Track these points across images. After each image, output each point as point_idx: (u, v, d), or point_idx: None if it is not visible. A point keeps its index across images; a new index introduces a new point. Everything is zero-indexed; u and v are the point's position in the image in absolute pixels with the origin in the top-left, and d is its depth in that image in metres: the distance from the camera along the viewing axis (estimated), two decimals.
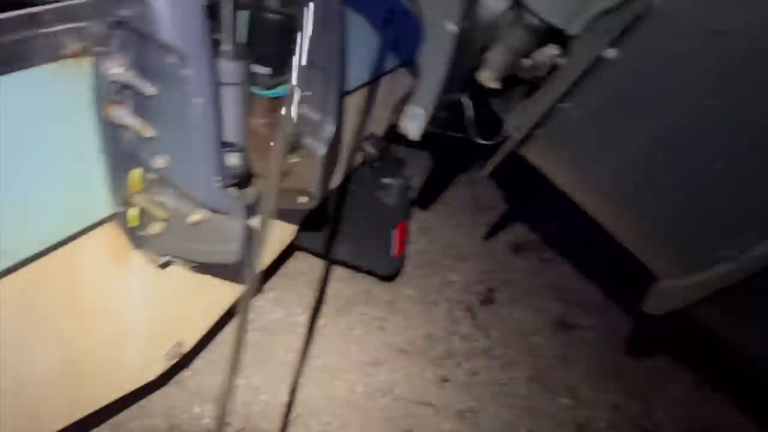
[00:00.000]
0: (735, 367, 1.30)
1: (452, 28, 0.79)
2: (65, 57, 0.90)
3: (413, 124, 0.88)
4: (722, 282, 0.79)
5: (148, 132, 0.96)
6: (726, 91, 0.69)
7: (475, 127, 0.92)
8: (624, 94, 0.74)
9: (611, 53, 0.71)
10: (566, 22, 0.72)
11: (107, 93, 0.96)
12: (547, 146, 0.83)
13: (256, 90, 1.16)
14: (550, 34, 0.75)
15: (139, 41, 0.92)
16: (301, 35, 1.16)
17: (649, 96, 0.73)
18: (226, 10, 1.04)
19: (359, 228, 1.90)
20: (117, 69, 0.93)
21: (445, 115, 0.91)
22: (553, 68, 0.83)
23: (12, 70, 0.84)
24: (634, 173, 0.79)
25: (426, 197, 2.66)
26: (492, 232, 2.59)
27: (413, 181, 2.00)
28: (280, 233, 1.80)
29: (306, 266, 2.29)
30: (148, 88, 0.93)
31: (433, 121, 0.89)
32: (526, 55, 0.81)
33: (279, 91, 1.17)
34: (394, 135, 1.99)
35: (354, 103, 1.70)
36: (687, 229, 0.82)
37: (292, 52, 1.20)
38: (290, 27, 1.14)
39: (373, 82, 1.73)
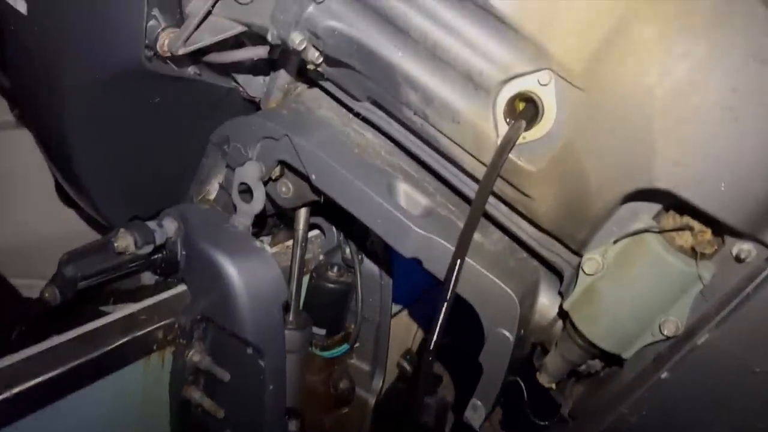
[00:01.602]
0: None
1: (510, 336, 0.87)
2: (153, 351, 0.98)
3: (475, 415, 0.93)
4: None
5: (220, 414, 1.02)
6: None
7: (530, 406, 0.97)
8: (675, 406, 0.80)
9: (662, 374, 0.79)
10: (619, 349, 0.80)
11: (184, 376, 1.03)
12: None
13: (312, 350, 1.24)
14: (602, 353, 0.83)
15: (218, 332, 1.01)
16: (357, 300, 1.28)
17: (699, 409, 0.79)
18: (293, 285, 1.15)
19: None
20: (196, 356, 1.02)
21: (502, 400, 0.97)
22: (606, 366, 0.90)
23: (106, 375, 0.92)
24: None
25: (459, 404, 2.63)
26: None
27: (450, 397, 2.01)
28: None
29: None
30: (224, 375, 1.00)
31: (493, 408, 0.94)
32: (581, 364, 0.89)
33: (335, 351, 1.25)
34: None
35: (393, 325, 1.78)
36: None
37: (345, 315, 1.31)
38: (345, 293, 1.25)
39: (410, 306, 1.82)
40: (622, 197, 0.72)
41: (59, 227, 1.33)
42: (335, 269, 1.25)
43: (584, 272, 0.79)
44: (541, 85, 0.70)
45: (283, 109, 1.00)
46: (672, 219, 0.74)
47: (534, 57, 0.69)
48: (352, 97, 0.93)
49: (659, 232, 0.73)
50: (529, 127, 0.72)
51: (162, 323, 0.99)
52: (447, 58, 0.74)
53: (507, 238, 0.94)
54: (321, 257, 1.28)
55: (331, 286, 1.23)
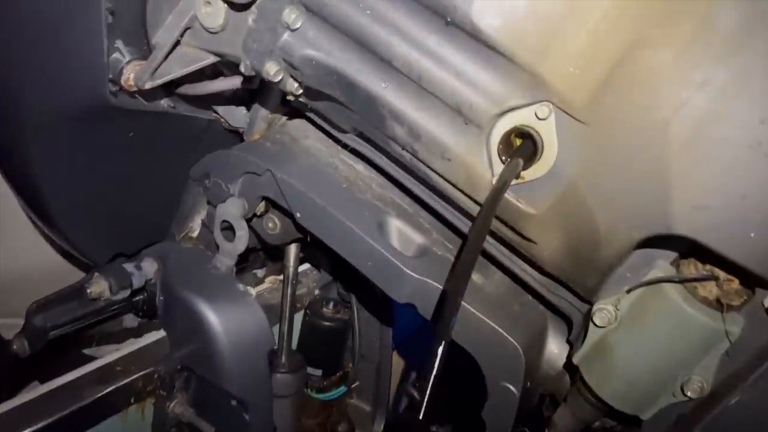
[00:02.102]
0: None
1: (515, 391, 0.79)
2: (132, 404, 0.92)
3: None
4: None
5: None
6: None
7: None
8: None
9: None
10: (636, 410, 0.71)
11: (166, 429, 0.96)
12: None
13: (307, 392, 1.16)
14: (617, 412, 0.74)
15: (200, 382, 0.94)
16: (355, 338, 1.20)
17: None
18: (284, 325, 1.08)
19: None
20: (178, 408, 0.95)
21: None
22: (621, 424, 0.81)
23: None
24: None
25: None
26: None
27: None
28: None
29: None
30: (208, 428, 0.93)
31: None
32: (594, 422, 0.80)
33: (332, 393, 1.18)
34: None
35: (395, 357, 1.71)
36: None
37: (343, 354, 1.23)
38: (342, 331, 1.17)
39: (412, 336, 1.75)
40: (635, 243, 0.64)
41: (40, 262, 1.27)
42: (331, 305, 1.17)
43: (594, 324, 0.70)
44: (540, 119, 0.62)
45: (267, 140, 0.93)
46: (693, 266, 0.65)
47: (530, 88, 0.61)
48: (338, 128, 0.85)
49: (680, 282, 0.64)
50: (527, 165, 0.63)
51: (141, 373, 0.93)
52: (434, 89, 0.66)
53: (509, 279, 0.85)
54: (316, 292, 1.21)
55: (327, 324, 1.16)
